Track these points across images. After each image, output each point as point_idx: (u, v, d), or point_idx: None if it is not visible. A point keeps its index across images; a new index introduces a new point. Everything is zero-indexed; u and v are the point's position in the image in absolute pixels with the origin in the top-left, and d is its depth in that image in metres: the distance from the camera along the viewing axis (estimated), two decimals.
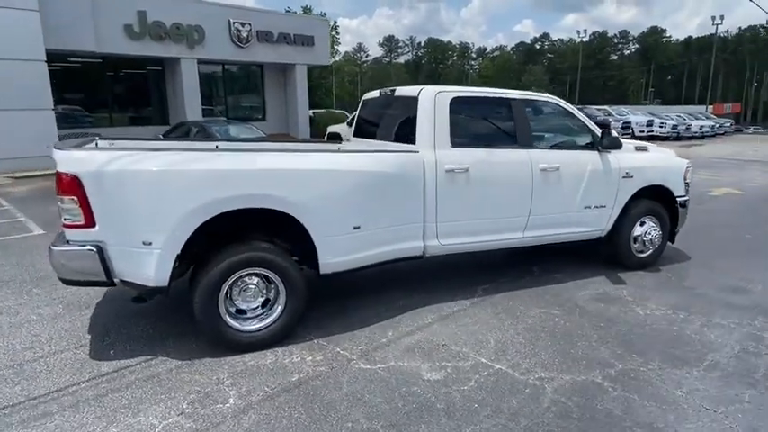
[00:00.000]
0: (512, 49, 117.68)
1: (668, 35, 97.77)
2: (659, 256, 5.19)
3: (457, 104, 4.13)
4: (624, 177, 4.77)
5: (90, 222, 3.02)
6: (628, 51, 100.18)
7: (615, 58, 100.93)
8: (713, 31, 53.61)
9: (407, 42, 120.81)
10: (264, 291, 3.47)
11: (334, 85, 72.78)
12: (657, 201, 5.03)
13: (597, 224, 4.80)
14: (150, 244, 3.08)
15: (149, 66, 17.56)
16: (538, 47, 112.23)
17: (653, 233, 5.01)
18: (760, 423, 2.62)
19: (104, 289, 4.52)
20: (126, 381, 3.04)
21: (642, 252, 5.06)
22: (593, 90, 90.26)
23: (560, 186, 4.48)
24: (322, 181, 3.48)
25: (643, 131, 26.07)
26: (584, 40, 78.68)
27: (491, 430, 2.56)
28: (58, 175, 3.01)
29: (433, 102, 4.06)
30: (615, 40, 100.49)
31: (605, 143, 4.58)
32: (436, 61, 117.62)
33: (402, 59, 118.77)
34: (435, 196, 3.97)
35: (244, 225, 3.46)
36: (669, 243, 5.27)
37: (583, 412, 2.71)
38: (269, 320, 3.44)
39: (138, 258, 3.10)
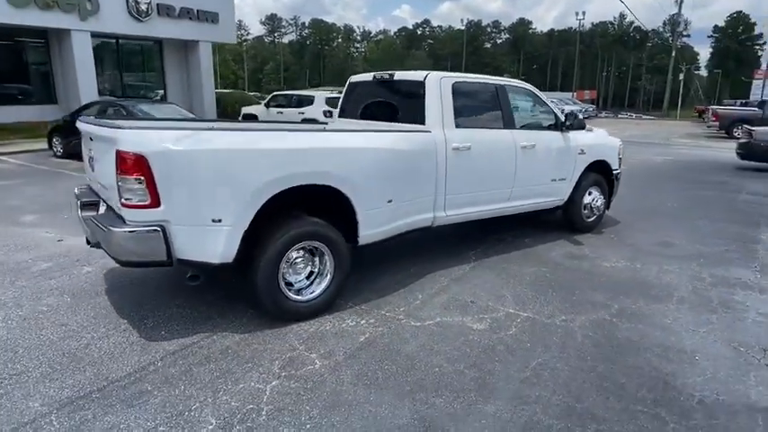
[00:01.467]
0: (395, 33, 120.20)
1: (534, 27, 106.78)
2: (601, 221, 6.16)
3: (457, 88, 4.56)
4: (579, 154, 5.60)
5: (155, 202, 2.98)
6: (500, 41, 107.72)
7: (489, 46, 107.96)
8: (571, 25, 59.88)
9: (291, 22, 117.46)
10: (310, 264, 3.65)
11: (218, 64, 69.00)
12: (600, 173, 5.96)
13: (560, 194, 5.58)
14: (220, 221, 3.12)
15: (30, 38, 15.44)
16: (419, 32, 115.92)
17: (598, 201, 5.95)
18: (730, 335, 3.48)
19: (107, 276, 4.32)
20: (201, 355, 3.08)
21: (590, 217, 5.98)
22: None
23: (535, 162, 5.16)
24: (367, 158, 3.72)
25: None
26: (461, 28, 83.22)
27: (551, 361, 3.10)
28: (121, 155, 2.92)
29: (438, 85, 4.44)
30: (489, 29, 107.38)
31: (575, 124, 5.34)
32: (321, 43, 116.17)
33: (285, 39, 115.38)
34: (445, 172, 4.39)
35: (289, 202, 3.58)
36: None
37: (609, 340, 3.37)
38: (319, 290, 3.63)
39: (205, 236, 3.12)
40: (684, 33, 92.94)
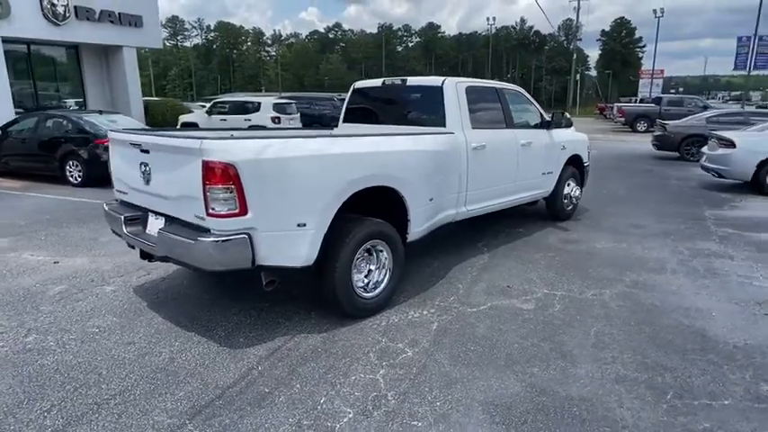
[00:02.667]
0: (306, 37, 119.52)
1: (443, 31, 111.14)
2: (576, 209, 6.87)
3: (470, 92, 4.96)
4: (562, 149, 6.24)
5: (244, 210, 3.06)
6: (411, 44, 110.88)
7: (401, 49, 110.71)
8: (476, 29, 63.34)
9: (195, 25, 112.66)
10: (370, 262, 3.86)
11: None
12: (575, 166, 6.66)
13: (548, 186, 6.19)
14: (305, 225, 3.26)
15: None
16: (332, 36, 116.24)
17: (575, 191, 6.65)
18: (727, 295, 4.18)
19: (138, 294, 4.22)
20: (296, 356, 3.19)
21: (568, 206, 6.67)
22: None
23: (531, 157, 5.71)
24: (415, 160, 4.00)
25: None
26: (372, 32, 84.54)
27: (605, 328, 3.58)
28: (209, 165, 2.97)
29: (455, 90, 4.82)
30: (400, 33, 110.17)
31: (564, 123, 5.96)
32: (229, 46, 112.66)
33: (188, 43, 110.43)
34: (467, 170, 4.77)
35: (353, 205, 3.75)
36: None
37: (639, 307, 3.93)
38: (381, 287, 3.85)
39: (290, 241, 3.25)
40: (578, 38, 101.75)
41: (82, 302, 4.06)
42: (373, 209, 3.92)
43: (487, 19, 52.85)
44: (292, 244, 3.26)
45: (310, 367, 3.07)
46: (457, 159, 4.62)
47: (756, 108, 28.50)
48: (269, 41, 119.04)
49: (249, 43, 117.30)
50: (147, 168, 3.51)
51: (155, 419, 2.58)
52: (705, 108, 20.95)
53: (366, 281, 3.82)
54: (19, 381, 2.92)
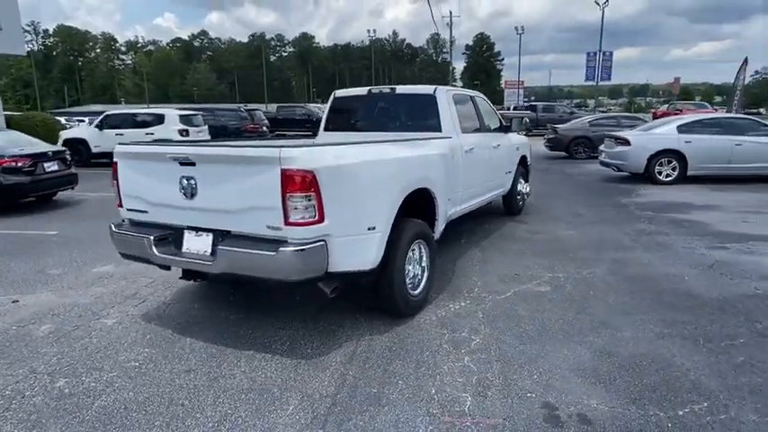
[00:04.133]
0: (168, 45, 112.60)
1: (317, 42, 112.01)
2: (524, 204, 7.66)
3: (455, 100, 5.38)
4: (516, 150, 6.96)
5: (321, 217, 3.10)
6: (285, 54, 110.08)
7: (274, 59, 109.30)
8: (349, 41, 65.16)
9: (29, 28, 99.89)
10: (410, 262, 4.05)
11: None
12: (522, 166, 7.44)
13: (508, 185, 6.85)
14: (374, 228, 3.38)
15: None
16: (197, 44, 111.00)
17: (526, 188, 7.42)
18: (684, 261, 5.07)
19: (149, 323, 3.95)
20: (378, 356, 3.28)
21: (520, 202, 7.41)
22: (260, 89, 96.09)
23: (499, 158, 6.30)
24: (439, 163, 4.29)
25: None
26: (242, 40, 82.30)
27: (619, 299, 4.17)
28: (288, 174, 2.98)
29: (447, 97, 5.20)
30: (273, 43, 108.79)
31: (525, 127, 6.63)
32: (73, 53, 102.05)
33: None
34: (462, 171, 5.16)
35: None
36: None
37: (631, 278, 4.61)
38: (422, 285, 4.06)
39: (361, 245, 3.34)
40: (445, 51, 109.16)
41: (88, 339, 3.67)
42: (410, 211, 4.11)
43: (368, 31, 54.74)
44: (363, 248, 3.35)
45: (399, 365, 3.19)
46: (458, 161, 4.99)
47: (607, 112, 33.04)
48: (123, 48, 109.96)
49: (98, 50, 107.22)
50: (191, 182, 3.34)
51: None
52: (572, 114, 24.02)
53: (410, 280, 4.00)
54: (91, 426, 2.65)
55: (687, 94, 79.61)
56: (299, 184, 2.99)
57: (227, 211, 3.27)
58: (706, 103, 36.82)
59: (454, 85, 59.26)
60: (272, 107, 31.92)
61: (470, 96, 5.94)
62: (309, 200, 3.02)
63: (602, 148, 11.02)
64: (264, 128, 16.83)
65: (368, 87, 5.63)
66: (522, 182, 7.35)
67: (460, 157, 5.08)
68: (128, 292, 4.59)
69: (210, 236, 3.40)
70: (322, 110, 30.27)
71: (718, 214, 7.24)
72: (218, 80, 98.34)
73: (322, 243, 3.11)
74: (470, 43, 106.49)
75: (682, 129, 9.82)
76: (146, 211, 3.66)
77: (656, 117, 25.30)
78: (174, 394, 2.93)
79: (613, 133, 10.81)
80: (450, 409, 2.71)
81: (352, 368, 3.17)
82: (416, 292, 3.97)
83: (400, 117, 5.49)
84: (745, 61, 23.41)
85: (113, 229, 3.78)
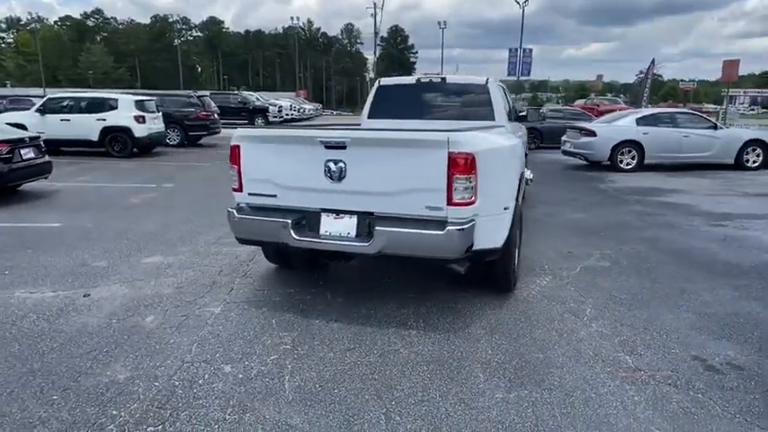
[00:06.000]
0: (57, 23, 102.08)
1: (227, 27, 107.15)
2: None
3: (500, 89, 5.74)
4: (525, 137, 7.47)
5: (475, 198, 3.32)
6: (191, 38, 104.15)
7: (178, 43, 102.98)
8: (259, 27, 63.27)
9: None
10: None
11: None
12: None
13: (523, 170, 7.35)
14: (507, 208, 3.64)
15: None
16: (91, 24, 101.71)
17: (529, 174, 7.97)
18: (699, 236, 5.85)
19: (257, 308, 3.95)
20: (511, 327, 3.55)
21: (526, 186, 7.97)
22: (164, 75, 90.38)
23: (523, 145, 6.76)
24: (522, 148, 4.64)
25: (278, 115, 29.85)
26: (141, 21, 76.72)
27: (678, 269, 4.77)
28: (455, 157, 3.17)
29: (497, 87, 5.54)
30: (178, 26, 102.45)
31: (542, 117, 7.13)
32: None
33: None
34: None
35: None
36: None
37: (672, 251, 5.26)
38: (517, 261, 4.37)
39: (497, 224, 3.59)
40: (359, 41, 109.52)
41: (210, 327, 3.57)
42: None
43: (292, 18, 53.26)
44: (498, 227, 3.60)
45: (540, 333, 3.47)
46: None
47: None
48: (2, 26, 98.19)
49: None
50: (340, 165, 3.39)
51: (498, 395, 2.75)
52: None
53: None
54: (300, 402, 2.69)
55: (583, 91, 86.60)
56: (463, 166, 3.18)
57: (378, 193, 3.37)
58: (619, 99, 40.75)
59: (371, 78, 59.89)
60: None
61: (503, 87, 6.32)
62: (470, 181, 3.22)
63: (565, 138, 11.99)
64: (216, 115, 16.10)
65: (416, 76, 5.81)
66: (527, 168, 7.90)
67: None
68: (203, 281, 4.45)
69: (355, 218, 3.47)
70: (259, 98, 29.49)
71: (692, 197, 8.32)
72: (116, 63, 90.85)
73: (474, 222, 3.32)
74: (385, 35, 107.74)
75: (640, 121, 11.00)
76: (274, 195, 3.62)
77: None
78: (356, 370, 3.01)
79: (578, 125, 11.83)
80: (620, 366, 3.06)
81: (502, 338, 3.42)
82: (515, 266, 4.29)
83: (451, 106, 5.73)
84: (653, 62, 26.28)
85: (235, 214, 3.68)
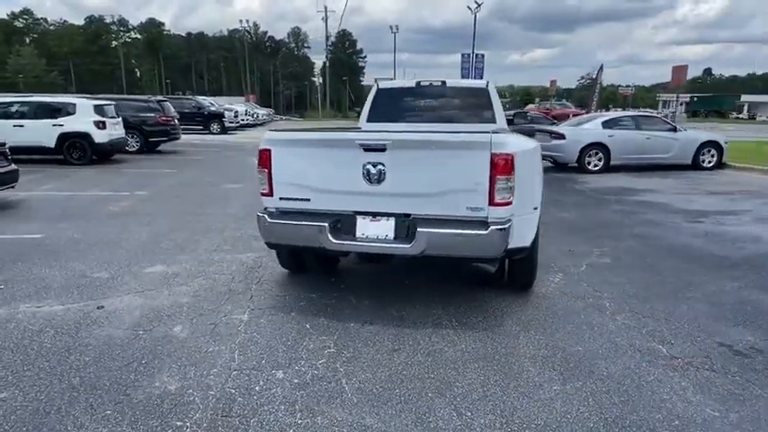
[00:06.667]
0: None
1: (168, 29, 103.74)
2: None
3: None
4: None
5: (512, 198, 3.47)
6: (130, 40, 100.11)
7: (118, 45, 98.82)
8: (203, 29, 61.85)
9: None
10: None
11: None
12: None
13: None
14: (536, 208, 3.81)
15: None
16: (20, 24, 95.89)
17: None
18: (685, 233, 6.28)
19: (285, 312, 3.94)
20: (542, 323, 3.72)
21: None
22: (101, 78, 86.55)
23: None
24: None
25: (234, 120, 29.26)
26: (74, 23, 73.18)
27: (677, 263, 5.11)
28: (497, 158, 3.30)
29: (494, 91, 5.74)
30: (115, 27, 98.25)
31: (529, 120, 7.41)
32: None
33: None
34: None
35: None
36: None
37: (668, 247, 5.62)
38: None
39: (528, 223, 3.74)
40: (306, 45, 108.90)
41: (246, 334, 3.51)
42: None
43: (240, 21, 52.09)
44: (528, 226, 3.76)
45: (572, 328, 3.63)
46: None
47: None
48: None
49: None
50: (379, 168, 3.44)
51: (556, 387, 2.89)
52: None
53: None
54: (368, 400, 2.72)
55: (528, 96, 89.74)
56: (503, 167, 3.31)
57: (418, 195, 3.45)
58: (569, 103, 42.57)
59: (320, 84, 59.60)
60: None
61: (497, 91, 6.54)
62: (509, 182, 3.37)
63: None
64: (176, 120, 15.61)
65: (415, 80, 5.93)
66: None
67: None
68: (218, 289, 4.37)
69: (392, 220, 3.53)
70: (213, 103, 28.75)
71: (665, 196, 8.87)
72: (47, 66, 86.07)
73: (511, 222, 3.47)
74: (333, 39, 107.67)
75: (605, 124, 11.62)
76: (308, 199, 3.62)
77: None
78: (409, 370, 3.06)
79: (547, 128, 12.33)
80: (657, 355, 3.26)
81: (538, 334, 3.56)
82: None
83: (452, 109, 5.89)
84: (601, 68, 27.68)
85: (267, 219, 3.65)
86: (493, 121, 5.62)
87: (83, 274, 4.66)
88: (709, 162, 12.12)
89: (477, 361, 3.18)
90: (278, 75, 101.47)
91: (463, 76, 39.23)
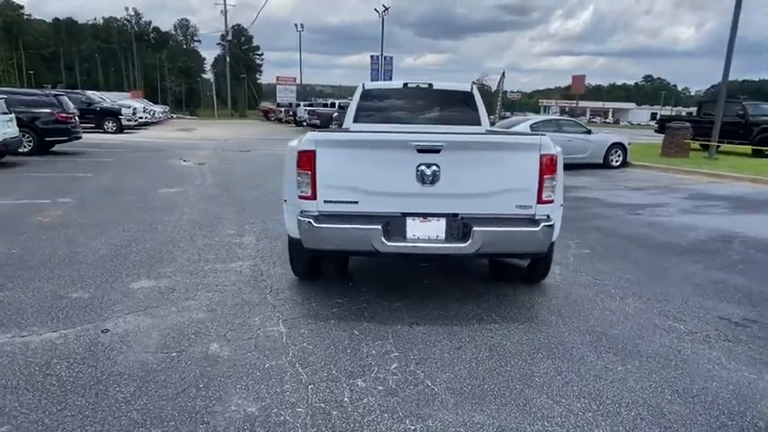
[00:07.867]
0: None
1: (29, 13, 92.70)
2: None
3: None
4: None
5: (554, 196, 3.73)
6: None
7: None
8: (71, 15, 56.51)
9: None
10: None
11: None
12: None
13: None
14: (563, 204, 4.08)
15: None
16: None
17: None
18: (640, 218, 7.02)
19: (307, 312, 3.88)
20: (570, 314, 4.02)
21: None
22: None
23: None
24: None
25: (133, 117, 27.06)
26: None
27: (641, 246, 5.72)
28: (545, 158, 3.54)
29: (478, 94, 5.99)
30: None
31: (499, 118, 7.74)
32: None
33: None
34: None
35: None
36: None
37: (650, 235, 6.26)
38: None
39: (559, 219, 4.01)
40: (196, 39, 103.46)
41: (297, 347, 3.39)
42: None
43: (126, 9, 47.16)
44: (559, 222, 4.02)
45: (598, 314, 3.98)
46: None
47: None
48: None
49: None
50: (433, 169, 3.48)
51: (619, 368, 3.15)
52: None
53: None
54: (453, 400, 2.79)
55: None
56: (550, 166, 3.56)
57: (471, 195, 3.56)
58: None
59: (205, 74, 56.83)
60: None
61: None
62: (554, 180, 3.61)
63: None
64: (76, 118, 14.06)
65: (402, 81, 5.98)
66: None
67: None
68: (232, 301, 4.12)
69: (443, 220, 3.60)
70: (105, 99, 26.25)
71: (597, 192, 9.80)
72: None
73: (554, 218, 3.71)
74: (224, 34, 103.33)
75: (533, 127, 12.51)
76: (356, 202, 3.55)
77: None
78: (483, 365, 3.15)
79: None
80: (678, 332, 3.68)
81: (574, 321, 3.84)
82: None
83: (438, 111, 6.03)
84: (503, 75, 29.58)
85: (313, 223, 3.51)
86: (477, 123, 5.86)
87: (56, 295, 4.11)
88: (617, 161, 13.61)
89: (539, 351, 3.36)
90: (164, 69, 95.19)
91: (373, 78, 39.88)
